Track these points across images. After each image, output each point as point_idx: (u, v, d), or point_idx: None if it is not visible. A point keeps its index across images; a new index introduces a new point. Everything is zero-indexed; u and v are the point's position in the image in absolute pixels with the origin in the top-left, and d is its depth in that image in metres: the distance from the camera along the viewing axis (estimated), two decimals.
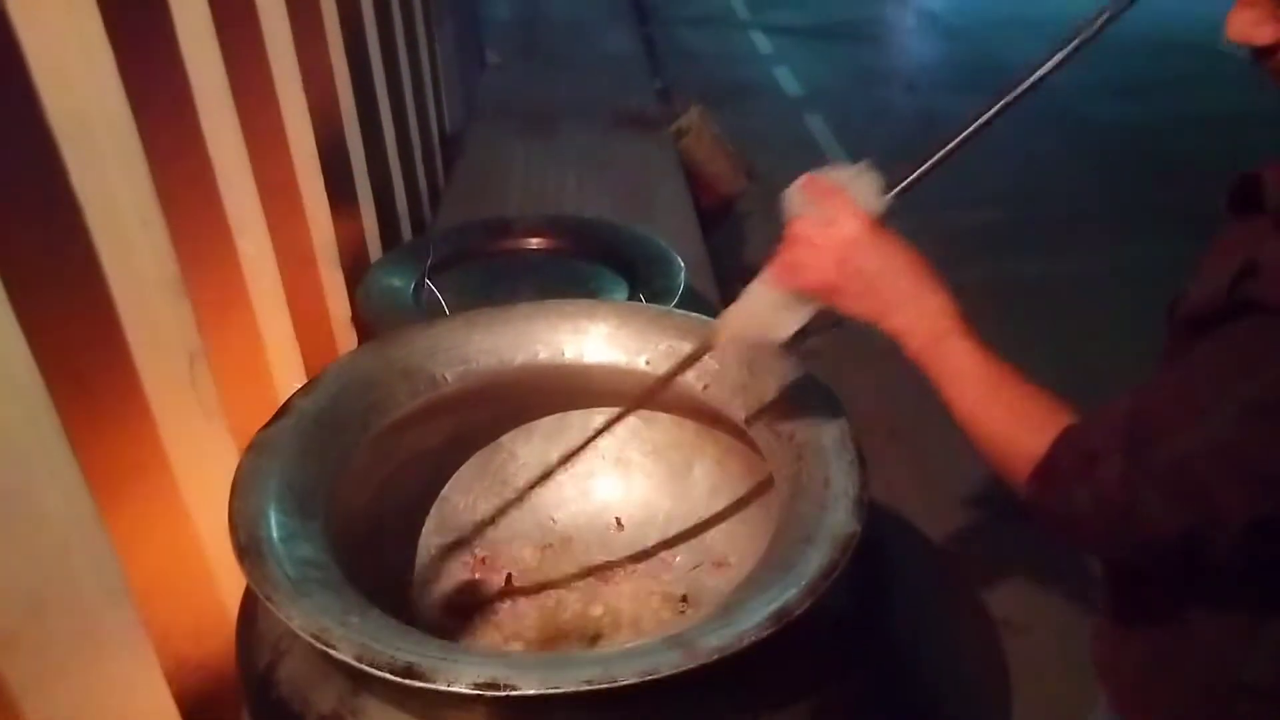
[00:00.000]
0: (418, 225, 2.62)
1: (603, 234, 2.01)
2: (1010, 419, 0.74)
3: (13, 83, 0.97)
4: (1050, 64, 0.76)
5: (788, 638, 0.80)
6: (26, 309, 0.90)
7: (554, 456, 1.34)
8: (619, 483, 1.34)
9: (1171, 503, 0.64)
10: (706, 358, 1.16)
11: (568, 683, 0.71)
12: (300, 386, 1.06)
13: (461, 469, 1.30)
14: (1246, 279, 0.62)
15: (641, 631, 1.20)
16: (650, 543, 1.30)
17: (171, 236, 1.19)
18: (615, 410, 1.30)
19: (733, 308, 0.94)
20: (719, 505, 1.29)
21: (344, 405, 1.05)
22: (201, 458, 1.27)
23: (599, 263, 1.94)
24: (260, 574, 0.79)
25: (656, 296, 1.72)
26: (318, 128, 1.78)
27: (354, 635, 0.74)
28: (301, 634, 0.74)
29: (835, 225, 0.81)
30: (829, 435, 1.00)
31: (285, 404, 1.03)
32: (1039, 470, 0.70)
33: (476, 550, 1.28)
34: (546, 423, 1.34)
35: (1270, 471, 0.60)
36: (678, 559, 1.28)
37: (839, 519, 0.88)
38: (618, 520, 1.32)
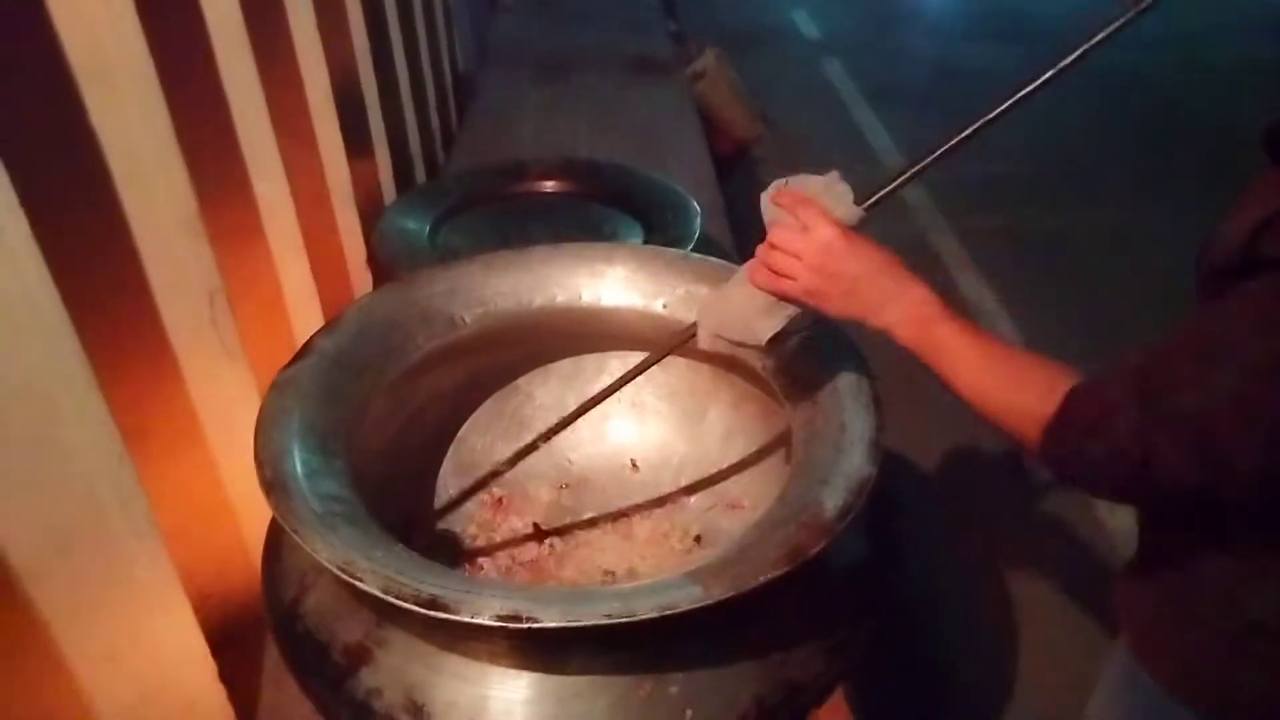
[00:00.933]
0: (431, 167, 2.61)
1: (618, 178, 2.00)
2: (1013, 388, 0.77)
3: (33, 23, 0.97)
4: (1029, 88, 0.79)
5: (802, 579, 0.82)
6: (52, 248, 0.91)
7: (570, 398, 1.36)
8: (634, 425, 1.35)
9: (1185, 453, 0.65)
10: None
11: (588, 616, 0.73)
12: (321, 327, 1.07)
13: (479, 410, 1.32)
14: (1263, 234, 0.63)
15: (658, 570, 1.22)
16: (665, 485, 1.32)
17: (192, 180, 1.19)
18: (628, 360, 1.32)
19: (710, 304, 0.97)
20: (733, 449, 1.30)
21: (364, 346, 1.06)
22: (223, 395, 1.29)
23: (614, 207, 1.94)
24: (287, 508, 0.81)
25: (672, 242, 1.72)
26: (332, 69, 1.76)
27: (379, 568, 0.76)
28: (329, 566, 0.76)
29: (810, 232, 0.85)
30: (845, 380, 1.00)
31: (306, 344, 1.04)
32: (1051, 428, 0.72)
33: (494, 490, 1.30)
34: (563, 365, 1.35)
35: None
36: (692, 500, 1.30)
37: (854, 462, 0.89)
38: (633, 462, 1.34)
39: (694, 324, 1.00)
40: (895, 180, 0.86)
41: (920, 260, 3.15)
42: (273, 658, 1.45)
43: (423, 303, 1.14)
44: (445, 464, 1.29)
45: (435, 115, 2.76)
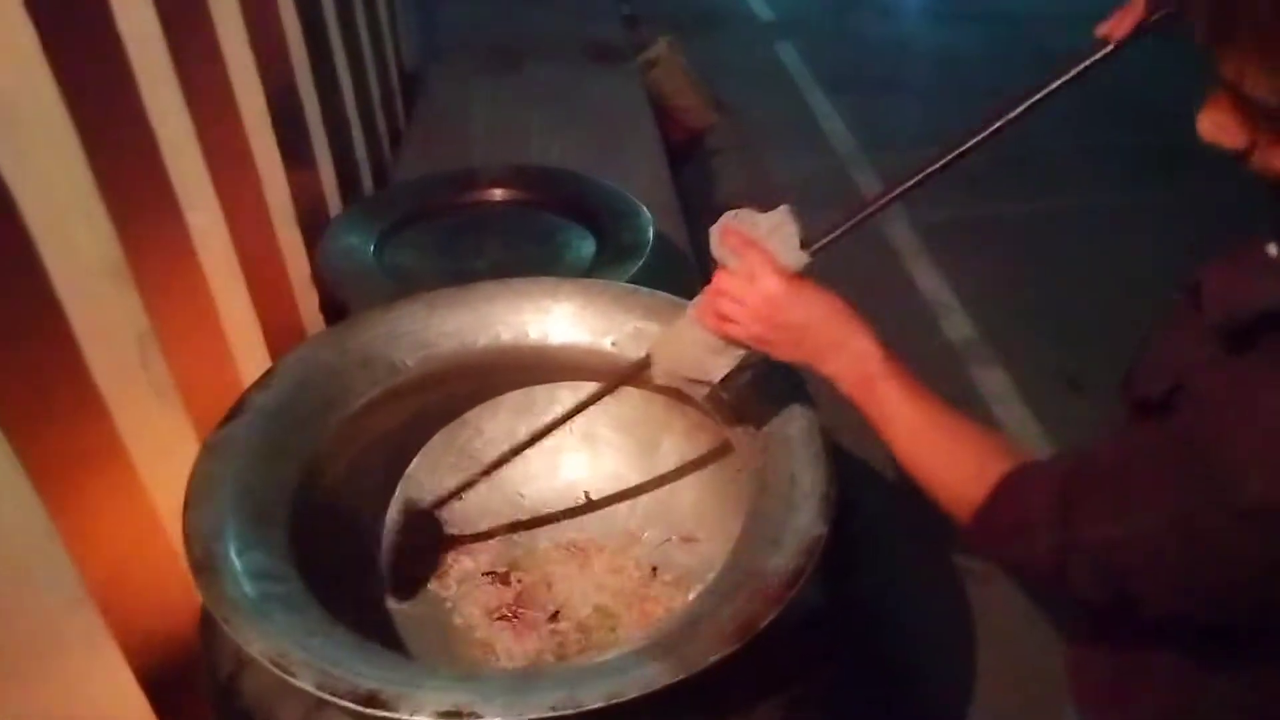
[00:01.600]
0: (379, 172, 2.54)
1: (569, 186, 1.96)
2: (945, 463, 0.75)
3: None
4: (954, 152, 0.79)
5: (756, 640, 0.80)
6: None
7: (521, 430, 1.33)
8: (587, 458, 1.33)
9: (1096, 582, 0.65)
10: None
11: (533, 709, 0.70)
12: (255, 381, 1.03)
13: (427, 446, 1.28)
14: (1180, 394, 0.63)
15: (612, 606, 1.20)
16: (619, 517, 1.30)
17: (114, 217, 1.13)
18: (580, 391, 1.30)
19: (663, 341, 0.97)
20: (687, 479, 1.28)
21: (302, 399, 1.03)
22: (158, 440, 1.24)
23: (565, 216, 1.90)
24: (216, 594, 0.78)
25: (625, 249, 1.69)
26: (267, 82, 1.69)
27: (314, 660, 0.73)
28: (261, 659, 0.72)
29: (756, 282, 0.83)
30: (796, 427, 0.99)
31: (239, 401, 1.00)
32: (977, 521, 0.72)
33: (445, 529, 1.27)
34: (513, 397, 1.32)
35: (1189, 584, 0.61)
36: (646, 534, 1.28)
37: (805, 521, 0.87)
38: (586, 495, 1.32)
39: (646, 357, 0.99)
40: (841, 226, 0.84)
41: (876, 254, 3.16)
42: None
43: (362, 349, 1.10)
44: (393, 504, 1.26)
45: (381, 116, 2.69)
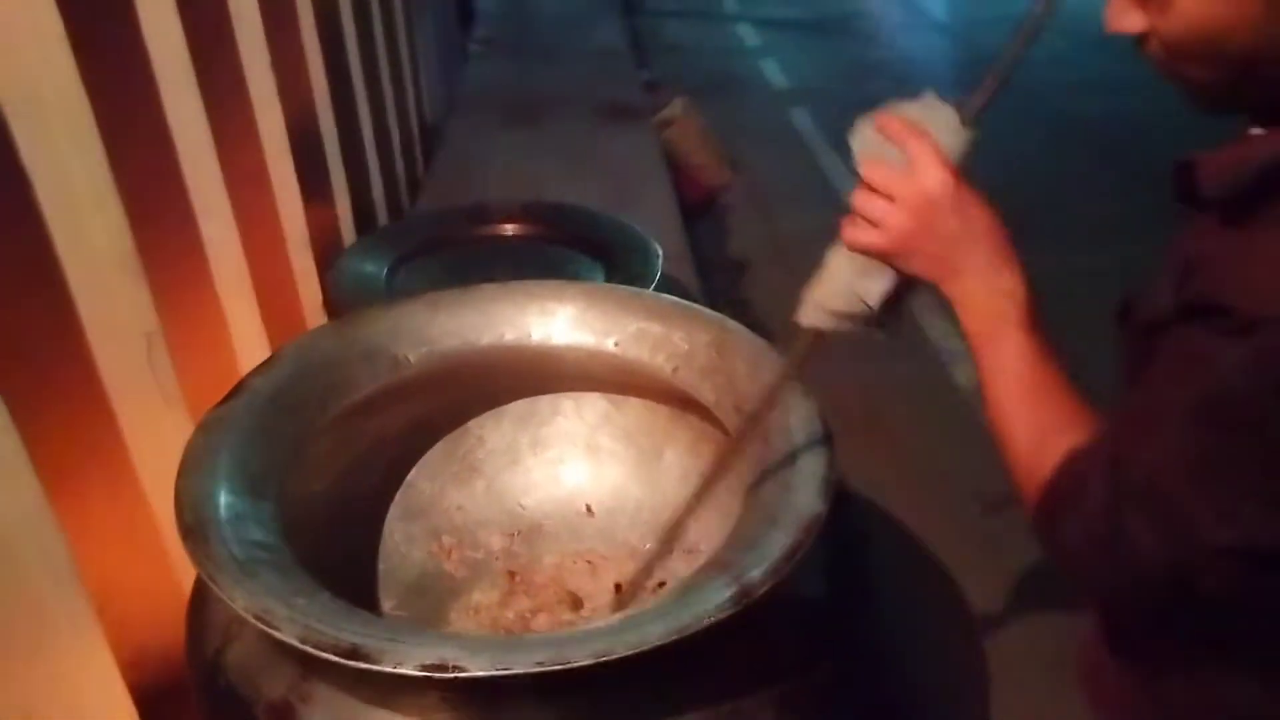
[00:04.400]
0: (395, 213, 2.59)
1: (579, 219, 1.99)
2: (1032, 431, 0.70)
3: None
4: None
5: (752, 621, 0.78)
6: None
7: (524, 441, 1.33)
8: (589, 469, 1.32)
9: (1152, 524, 0.60)
10: (674, 339, 1.14)
11: (519, 664, 0.68)
12: (256, 366, 1.03)
13: (428, 454, 1.28)
14: (1188, 280, 0.60)
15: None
16: (621, 529, 1.28)
17: (130, 218, 1.16)
18: (582, 401, 1.30)
19: (813, 283, 0.82)
20: (690, 491, 1.26)
21: (302, 385, 1.03)
22: (160, 443, 1.24)
23: (575, 249, 1.92)
24: (204, 554, 0.77)
25: (632, 282, 1.70)
26: (289, 115, 1.74)
27: (299, 616, 0.72)
28: (245, 615, 0.71)
29: (918, 175, 0.73)
30: (796, 416, 0.98)
31: (239, 383, 1.00)
32: (1040, 499, 0.67)
33: (444, 538, 1.26)
34: (516, 407, 1.31)
35: (1229, 475, 0.57)
36: (648, 545, 1.26)
37: (804, 499, 0.86)
38: (588, 507, 1.30)
39: (799, 333, 0.84)
40: (990, 89, 0.75)
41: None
42: None
43: (365, 341, 1.10)
44: (393, 509, 1.24)
45: (400, 162, 2.75)
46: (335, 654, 0.68)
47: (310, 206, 1.84)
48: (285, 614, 0.72)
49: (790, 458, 0.92)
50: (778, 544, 0.81)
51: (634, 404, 1.30)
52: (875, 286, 0.77)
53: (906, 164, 0.74)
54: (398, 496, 1.26)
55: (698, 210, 3.54)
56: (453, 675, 0.68)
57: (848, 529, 1.04)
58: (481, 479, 1.29)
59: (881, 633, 1.94)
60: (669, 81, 4.50)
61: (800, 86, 5.08)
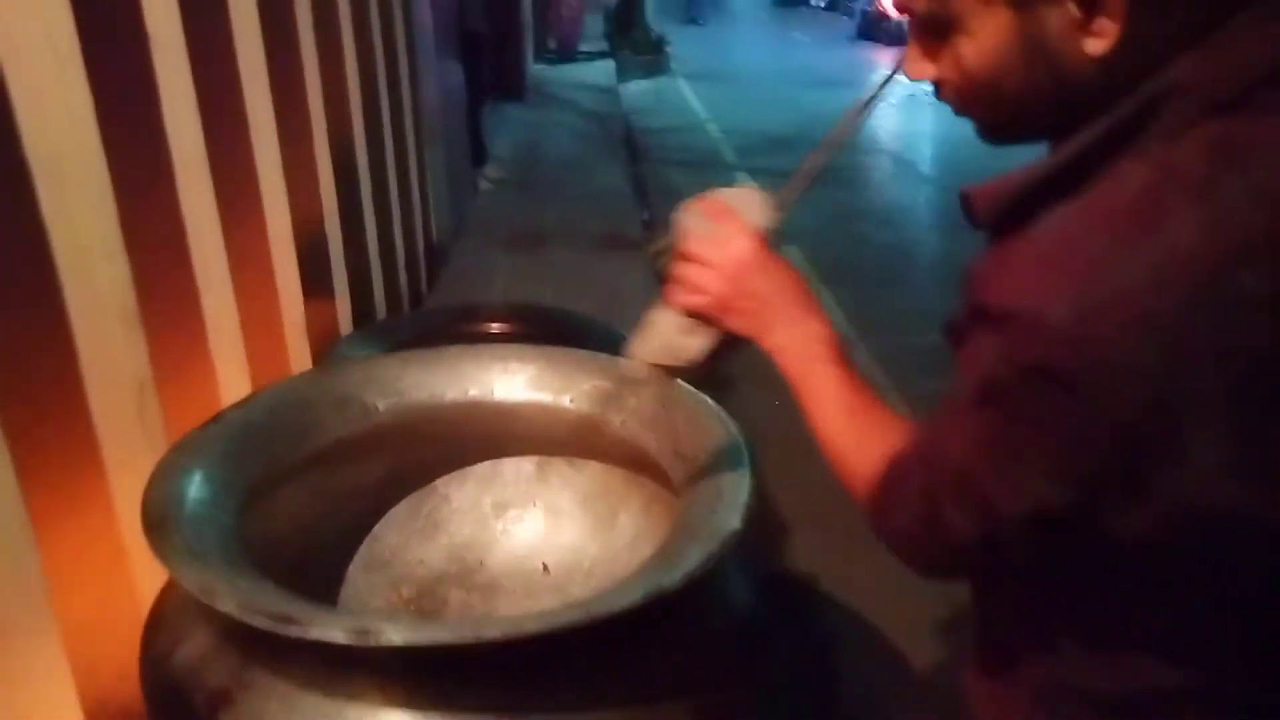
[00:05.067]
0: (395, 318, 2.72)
1: (560, 320, 2.11)
2: (855, 444, 0.79)
3: None
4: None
5: (669, 635, 0.84)
6: None
7: (487, 501, 1.39)
8: (548, 529, 1.37)
9: (962, 507, 0.67)
10: (623, 395, 1.23)
11: (436, 636, 0.74)
12: (234, 402, 1.12)
13: (395, 509, 1.34)
14: (970, 291, 0.68)
15: None
16: (575, 588, 1.33)
17: (135, 274, 1.28)
18: (546, 465, 1.37)
19: (639, 335, 0.95)
20: (642, 551, 1.31)
21: (274, 421, 1.11)
22: (139, 485, 1.31)
23: (555, 344, 2.02)
24: (162, 541, 0.84)
25: None
26: (296, 213, 1.90)
27: (240, 594, 0.78)
28: (189, 587, 0.78)
29: (729, 245, 0.84)
30: (728, 455, 1.05)
31: (216, 414, 1.08)
32: (871, 496, 0.76)
33: (404, 589, 1.31)
34: (481, 468, 1.38)
35: (1011, 453, 0.64)
36: None
37: (723, 519, 0.92)
38: (544, 565, 1.35)
39: (624, 372, 0.96)
40: (800, 181, 0.88)
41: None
42: None
43: (337, 389, 1.19)
44: (356, 559, 1.30)
45: (404, 274, 2.91)
46: (269, 619, 0.74)
47: (310, 299, 1.97)
48: (228, 590, 0.78)
49: (718, 489, 0.99)
50: (695, 554, 0.87)
51: (593, 467, 1.37)
52: (696, 343, 0.88)
53: (720, 236, 0.85)
54: (361, 549, 1.32)
55: None
56: (373, 643, 0.73)
57: (775, 563, 1.09)
58: (445, 535, 1.35)
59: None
60: (667, 221, 4.73)
61: (791, 229, 5.31)
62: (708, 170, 6.74)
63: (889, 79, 0.80)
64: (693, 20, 17.05)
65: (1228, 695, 0.72)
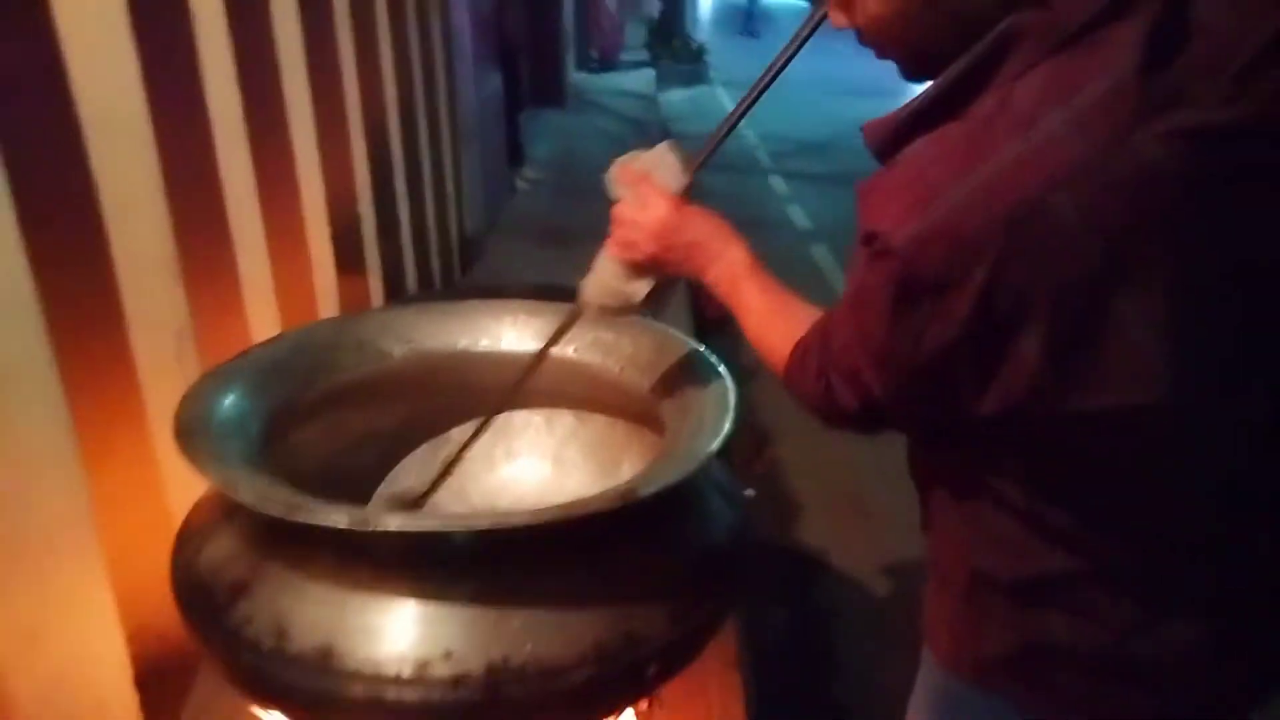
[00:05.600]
0: None
1: None
2: (777, 334, 0.91)
3: (53, 76, 1.19)
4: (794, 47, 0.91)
5: (648, 537, 0.91)
6: (40, 260, 1.09)
7: (498, 450, 1.48)
8: (555, 476, 1.45)
9: (846, 384, 0.80)
10: (622, 344, 1.31)
11: (429, 524, 0.82)
12: (260, 341, 1.22)
13: (413, 453, 1.43)
14: (859, 212, 0.77)
15: None
16: None
17: (175, 227, 1.38)
18: (552, 417, 1.45)
19: (588, 278, 1.10)
20: None
21: (298, 360, 1.20)
22: None
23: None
24: (192, 445, 0.93)
25: None
26: (330, 194, 2.01)
27: (259, 488, 0.87)
28: (213, 481, 0.87)
29: (648, 209, 0.99)
30: (715, 395, 1.12)
31: (243, 351, 1.18)
32: (785, 371, 0.89)
33: None
34: (494, 419, 1.46)
35: (875, 345, 0.74)
36: None
37: (702, 444, 0.99)
38: None
39: (575, 311, 1.13)
40: (714, 142, 1.01)
41: None
42: (196, 697, 1.49)
43: (357, 334, 1.28)
44: (374, 499, 1.39)
45: (437, 260, 3.02)
46: (282, 511, 0.83)
47: (342, 272, 2.08)
48: (247, 485, 0.87)
49: (699, 420, 1.06)
50: (670, 472, 0.95)
51: (597, 420, 1.44)
52: (635, 288, 1.04)
53: (640, 200, 0.99)
54: (378, 492, 1.41)
55: (715, 327, 3.74)
56: (371, 529, 0.82)
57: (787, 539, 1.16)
58: (458, 480, 1.43)
59: (851, 700, 1.98)
60: None
61: (821, 228, 5.45)
62: (743, 173, 6.82)
63: (814, 25, 0.87)
64: (749, 33, 17.28)
65: (1118, 575, 0.79)
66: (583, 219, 4.49)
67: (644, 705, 1.62)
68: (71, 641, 1.20)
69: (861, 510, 2.56)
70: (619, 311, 1.08)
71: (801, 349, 0.86)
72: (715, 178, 6.71)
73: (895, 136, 0.75)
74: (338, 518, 0.82)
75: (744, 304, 0.97)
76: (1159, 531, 0.77)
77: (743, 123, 1.03)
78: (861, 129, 0.80)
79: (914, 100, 0.75)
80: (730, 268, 0.98)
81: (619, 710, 1.04)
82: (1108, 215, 0.63)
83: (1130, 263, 0.64)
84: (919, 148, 0.72)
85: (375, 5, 2.48)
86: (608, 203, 1.05)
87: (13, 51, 1.14)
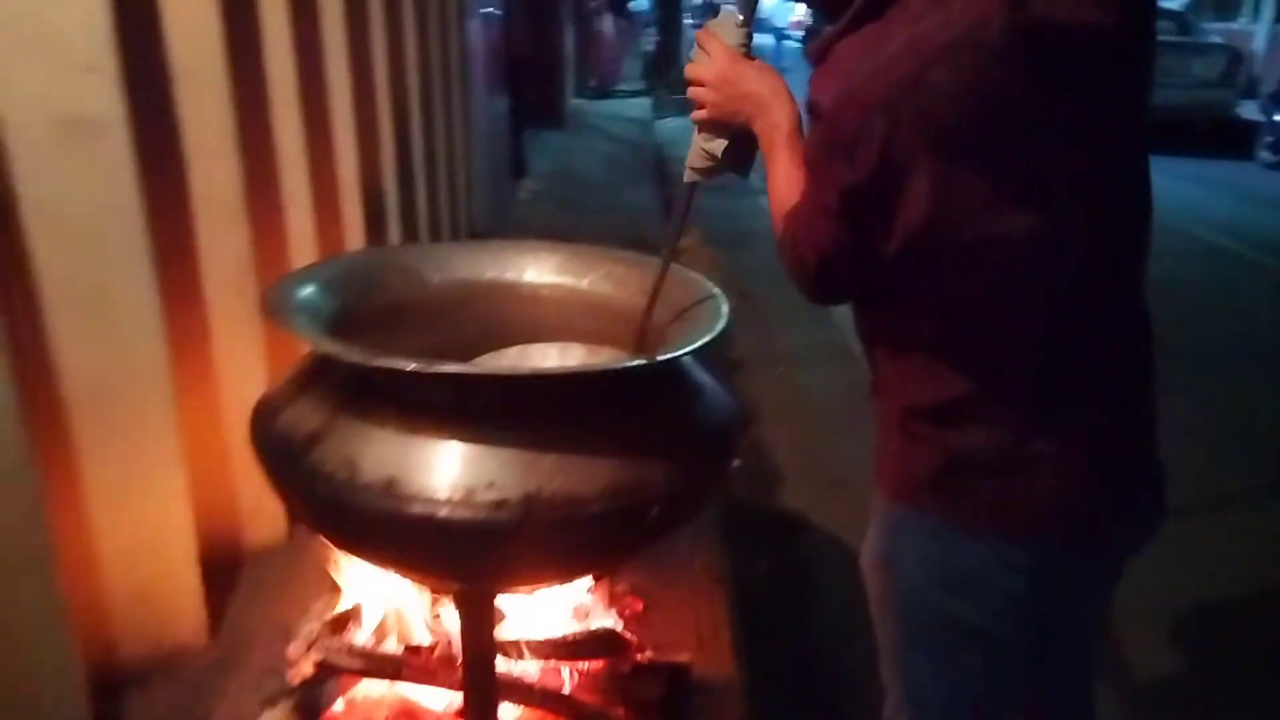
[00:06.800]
0: None
1: None
2: (784, 204, 1.09)
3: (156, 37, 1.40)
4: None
5: (649, 403, 1.11)
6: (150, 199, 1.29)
7: None
8: None
9: (809, 245, 1.00)
10: (631, 276, 1.51)
11: (478, 370, 1.02)
12: (317, 261, 1.42)
13: None
14: (810, 94, 1.01)
15: None
16: None
17: (244, 172, 1.59)
18: (569, 350, 1.65)
19: (688, 156, 1.24)
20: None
21: (348, 277, 1.40)
22: (239, 354, 1.62)
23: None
24: (279, 315, 1.12)
25: None
26: (361, 166, 2.22)
27: (334, 346, 1.07)
28: (299, 334, 1.07)
29: (710, 65, 1.13)
30: (710, 307, 1.33)
31: (302, 268, 1.38)
32: (779, 236, 1.08)
33: None
34: (512, 351, 1.65)
35: (827, 202, 0.96)
36: None
37: (699, 334, 1.19)
38: None
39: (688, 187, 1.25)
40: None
41: None
42: (242, 590, 1.67)
43: (400, 260, 1.49)
44: None
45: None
46: (361, 355, 1.03)
47: (370, 238, 2.29)
48: (327, 342, 1.07)
49: (698, 321, 1.27)
50: (671, 350, 1.15)
51: (607, 351, 1.64)
52: (716, 145, 1.17)
53: (704, 59, 1.14)
54: None
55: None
56: (434, 371, 1.01)
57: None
58: None
59: (839, 671, 2.15)
60: (692, 234, 5.05)
61: None
62: (734, 193, 7.06)
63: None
64: None
65: (1012, 384, 1.00)
66: (579, 227, 4.74)
67: (639, 607, 1.81)
68: (151, 510, 1.38)
69: (837, 482, 2.76)
70: (708, 173, 1.19)
71: (789, 216, 1.05)
72: (708, 198, 6.96)
73: (831, 45, 1.00)
74: (406, 362, 1.01)
75: (773, 166, 1.10)
76: (1036, 341, 0.98)
77: None
78: (804, 53, 1.04)
79: (840, 21, 1.00)
80: (772, 129, 1.10)
81: (628, 550, 1.23)
82: (972, 82, 0.86)
83: (989, 119, 0.87)
84: (847, 43, 0.98)
85: (403, 14, 2.72)
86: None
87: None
